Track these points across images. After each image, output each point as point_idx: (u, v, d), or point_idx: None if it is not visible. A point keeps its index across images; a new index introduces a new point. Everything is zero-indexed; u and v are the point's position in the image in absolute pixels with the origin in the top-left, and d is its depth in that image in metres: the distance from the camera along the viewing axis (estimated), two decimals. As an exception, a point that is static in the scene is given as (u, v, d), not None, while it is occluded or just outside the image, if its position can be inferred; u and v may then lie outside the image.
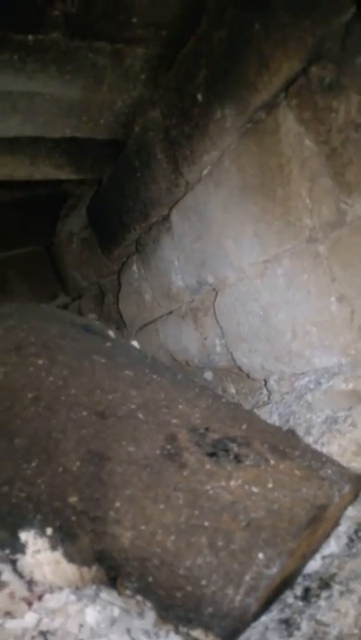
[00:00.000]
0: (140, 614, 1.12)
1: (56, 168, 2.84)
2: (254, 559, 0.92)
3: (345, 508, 1.19)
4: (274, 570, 0.91)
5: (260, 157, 1.77)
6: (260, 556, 0.92)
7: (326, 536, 1.18)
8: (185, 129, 2.13)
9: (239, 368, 2.26)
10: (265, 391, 2.18)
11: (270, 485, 1.04)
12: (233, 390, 2.51)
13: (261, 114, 1.74)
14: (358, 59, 1.32)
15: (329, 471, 1.10)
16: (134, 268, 2.89)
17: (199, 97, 1.99)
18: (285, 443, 1.18)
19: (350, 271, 1.56)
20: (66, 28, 1.91)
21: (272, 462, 1.10)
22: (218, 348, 2.37)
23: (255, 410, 2.09)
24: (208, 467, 1.08)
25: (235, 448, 1.13)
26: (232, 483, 1.04)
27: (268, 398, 2.12)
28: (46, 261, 3.85)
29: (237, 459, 1.10)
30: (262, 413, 2.04)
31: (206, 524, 0.99)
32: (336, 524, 1.24)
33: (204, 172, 2.10)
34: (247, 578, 0.91)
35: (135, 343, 1.66)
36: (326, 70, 1.44)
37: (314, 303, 1.73)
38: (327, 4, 1.39)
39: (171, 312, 2.67)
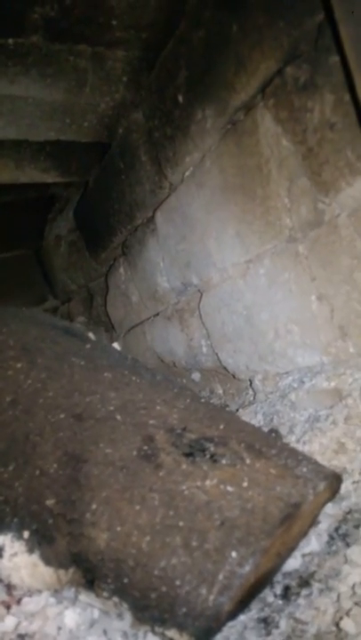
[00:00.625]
0: (120, 615, 1.12)
1: (42, 171, 2.84)
2: (227, 558, 0.92)
3: (323, 505, 1.19)
4: (247, 568, 0.91)
5: (239, 158, 1.78)
6: (234, 554, 0.93)
7: (304, 534, 1.18)
8: (167, 130, 2.13)
9: (225, 368, 2.26)
10: (251, 391, 2.18)
11: (245, 484, 1.04)
12: (220, 391, 2.52)
13: (240, 114, 1.75)
14: (331, 58, 1.32)
15: (305, 469, 1.11)
16: (121, 270, 2.90)
17: (180, 98, 2.00)
18: (262, 442, 1.18)
19: (329, 270, 1.57)
20: (46, 32, 1.92)
21: (248, 461, 1.10)
22: (204, 349, 2.37)
23: (241, 410, 2.10)
24: (184, 467, 1.08)
25: (211, 448, 1.13)
26: (207, 482, 1.05)
27: (254, 398, 2.13)
28: (35, 265, 3.85)
29: (213, 458, 1.11)
30: (247, 413, 2.04)
31: (181, 524, 0.99)
32: (315, 521, 1.25)
33: (187, 173, 2.11)
34: (220, 577, 0.91)
35: (116, 345, 1.66)
36: (301, 70, 1.45)
37: (295, 302, 1.74)
38: (301, 6, 1.40)
39: (157, 314, 2.67)
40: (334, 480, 1.15)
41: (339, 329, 1.61)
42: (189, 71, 1.90)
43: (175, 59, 1.95)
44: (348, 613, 1.06)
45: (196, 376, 2.67)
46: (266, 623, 1.16)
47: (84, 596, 1.15)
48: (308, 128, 1.47)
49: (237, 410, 2.10)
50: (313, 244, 1.61)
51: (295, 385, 1.88)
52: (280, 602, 1.24)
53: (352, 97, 1.16)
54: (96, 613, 1.20)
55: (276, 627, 1.14)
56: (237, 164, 1.80)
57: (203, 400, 1.38)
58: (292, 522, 1.02)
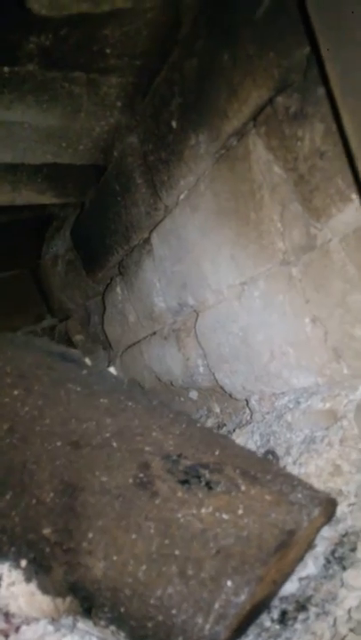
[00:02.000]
0: (118, 644, 1.12)
1: (38, 193, 2.88)
2: (223, 587, 0.93)
3: (318, 530, 1.20)
4: (242, 597, 0.92)
5: (233, 183, 1.81)
6: (229, 583, 0.94)
7: (300, 558, 1.19)
8: (162, 155, 2.17)
9: (222, 388, 2.28)
10: (248, 410, 2.19)
11: (240, 512, 1.06)
12: (218, 410, 2.53)
13: (233, 141, 1.78)
14: (320, 89, 1.35)
15: (299, 495, 1.12)
16: (118, 289, 2.92)
17: (174, 124, 2.03)
18: (258, 467, 1.20)
19: (322, 293, 1.59)
20: (41, 60, 1.96)
21: (243, 488, 1.11)
22: (201, 369, 2.39)
23: (238, 429, 2.11)
24: (180, 494, 1.10)
25: (207, 474, 1.15)
26: (203, 510, 1.06)
27: (251, 418, 2.14)
28: (32, 284, 3.87)
29: (209, 485, 1.12)
30: (244, 433, 2.05)
31: (177, 552, 1.00)
32: (310, 545, 1.26)
33: (182, 196, 2.14)
34: (216, 606, 0.92)
35: (112, 369, 1.68)
36: (291, 100, 1.48)
37: (289, 324, 1.76)
38: (290, 37, 1.44)
39: (154, 333, 2.69)
40: (329, 505, 1.16)
41: (333, 351, 1.63)
42: (183, 98, 1.94)
43: (169, 85, 1.99)
44: (343, 639, 1.06)
45: (193, 394, 2.68)
46: (263, 649, 1.17)
47: (82, 624, 1.16)
48: (298, 156, 1.50)
49: (234, 429, 2.11)
50: (306, 268, 1.63)
51: (291, 405, 1.89)
52: (277, 627, 1.24)
53: (338, 127, 1.19)
54: (94, 641, 1.20)
55: (273, 653, 1.14)
56: (231, 188, 1.83)
57: (198, 425, 1.39)
58: (288, 549, 1.03)
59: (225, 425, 2.38)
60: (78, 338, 3.64)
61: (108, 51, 1.96)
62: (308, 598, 1.27)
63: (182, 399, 2.77)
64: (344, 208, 1.42)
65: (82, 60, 2.01)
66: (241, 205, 1.80)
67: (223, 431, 2.30)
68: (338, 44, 1.02)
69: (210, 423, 2.50)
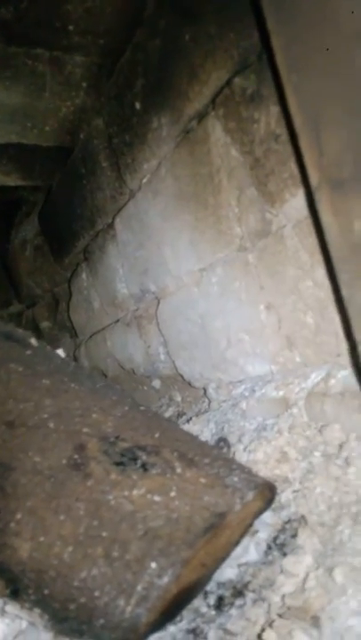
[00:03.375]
0: (46, 627, 1.10)
1: (4, 174, 2.81)
2: (147, 569, 0.91)
3: (255, 514, 1.19)
4: (165, 579, 0.90)
5: (192, 166, 1.79)
6: (153, 565, 0.92)
7: (236, 543, 1.18)
8: (126, 137, 2.13)
9: (181, 376, 2.26)
10: (206, 399, 2.18)
11: (173, 494, 1.04)
12: (179, 398, 2.51)
13: (194, 123, 1.75)
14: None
15: (236, 479, 1.10)
16: (83, 275, 2.88)
17: (138, 106, 2.00)
18: (196, 451, 1.18)
19: (277, 279, 1.58)
20: (1, 34, 1.91)
21: (178, 470, 1.09)
22: (162, 357, 2.37)
23: (194, 417, 2.09)
24: (113, 476, 1.07)
25: (143, 457, 1.12)
26: (135, 492, 1.04)
27: (208, 406, 2.13)
28: (0, 269, 3.81)
29: (144, 467, 1.10)
30: (201, 421, 2.04)
31: (104, 534, 0.98)
32: (248, 530, 1.24)
33: (144, 180, 2.11)
34: (139, 588, 0.90)
35: (60, 351, 1.64)
36: (248, 81, 1.46)
37: (245, 311, 1.74)
38: (248, 18, 1.41)
39: (117, 320, 2.66)
40: (266, 489, 1.15)
41: (286, 338, 1.62)
42: (146, 79, 1.91)
43: (133, 66, 1.96)
44: (271, 625, 1.05)
45: (156, 383, 2.66)
46: (195, 634, 1.15)
47: (11, 608, 1.13)
48: (255, 139, 1.48)
49: (191, 418, 2.09)
50: (261, 254, 1.61)
51: (247, 394, 1.88)
52: (213, 612, 1.23)
53: (282, 106, 1.17)
54: (24, 624, 1.18)
55: (205, 638, 1.13)
56: (191, 172, 1.80)
57: (142, 408, 1.37)
58: (218, 532, 1.02)
59: (185, 414, 2.36)
60: (45, 325, 3.59)
61: (70, 27, 1.92)
62: (246, 584, 1.26)
63: (145, 388, 2.74)
64: (297, 193, 1.40)
65: (44, 37, 1.96)
66: (200, 190, 1.78)
67: (182, 420, 2.28)
68: (282, 17, 1.00)
69: (170, 412, 2.48)
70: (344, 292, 1.05)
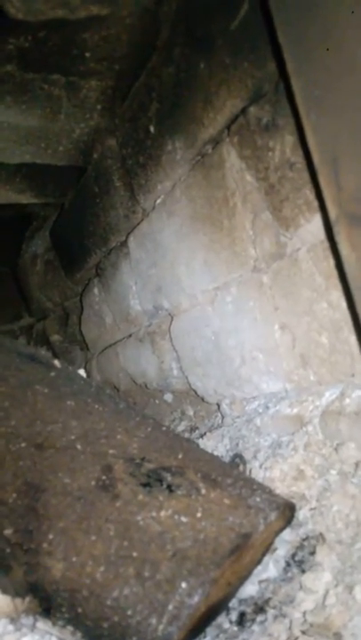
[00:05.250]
0: (76, 644, 1.14)
1: (17, 192, 2.87)
2: (178, 589, 0.95)
3: (276, 533, 1.23)
4: (196, 599, 0.94)
5: (207, 189, 1.84)
6: (184, 585, 0.96)
7: (258, 562, 1.22)
8: (140, 159, 2.19)
9: (194, 392, 2.30)
10: (219, 414, 2.22)
11: (199, 515, 1.08)
12: (191, 412, 2.55)
13: (208, 148, 1.81)
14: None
15: (258, 499, 1.14)
16: (95, 291, 2.93)
17: (152, 129, 2.05)
18: (219, 471, 1.22)
19: (291, 301, 1.62)
20: (20, 61, 1.96)
21: (203, 491, 1.14)
22: (175, 372, 2.41)
23: (208, 433, 2.13)
24: (140, 497, 1.11)
25: (168, 478, 1.17)
26: (162, 513, 1.08)
27: (222, 421, 2.17)
28: (11, 282, 3.86)
29: (170, 488, 1.14)
30: (215, 437, 2.08)
31: (135, 554, 1.02)
32: (269, 548, 1.28)
33: (158, 200, 2.16)
34: (170, 607, 0.94)
35: (82, 371, 1.69)
36: (263, 111, 1.51)
37: (260, 330, 1.79)
38: (263, 48, 1.46)
39: (130, 335, 2.71)
40: (287, 509, 1.19)
41: (300, 357, 1.66)
42: (160, 103, 1.96)
43: (147, 91, 2.01)
44: (295, 641, 1.09)
45: (168, 397, 2.70)
46: (219, 650, 1.19)
47: (42, 624, 1.17)
48: (269, 166, 1.53)
49: (205, 433, 2.13)
50: (276, 276, 1.66)
51: (260, 410, 1.92)
52: (235, 628, 1.27)
53: (301, 141, 1.22)
54: (53, 641, 1.22)
55: (229, 654, 1.17)
56: (205, 195, 1.85)
57: (164, 428, 1.41)
58: (243, 552, 1.06)
59: (197, 428, 2.40)
60: (56, 338, 3.64)
61: (87, 54, 1.98)
62: (267, 601, 1.30)
63: (157, 402, 2.78)
64: (312, 219, 1.45)
65: (61, 63, 2.01)
66: (215, 212, 1.83)
67: (195, 434, 2.32)
68: (301, 60, 1.05)
69: (183, 426, 2.52)
70: (362, 319, 1.09)
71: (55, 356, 3.54)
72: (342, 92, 0.95)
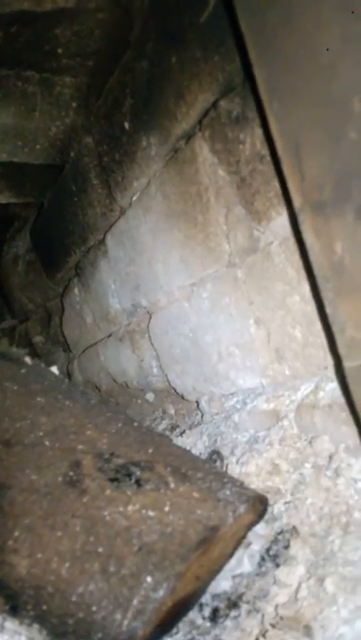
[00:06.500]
0: (45, 643, 1.12)
1: (-5, 192, 2.85)
2: (142, 583, 0.94)
3: (248, 527, 1.22)
4: (161, 593, 0.93)
5: (181, 185, 1.83)
6: (149, 579, 0.94)
7: (229, 555, 1.21)
8: (116, 156, 2.17)
9: (174, 389, 2.29)
10: (199, 412, 2.21)
11: (167, 509, 1.06)
12: (172, 411, 2.53)
13: (182, 143, 1.80)
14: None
15: (228, 492, 1.13)
16: (75, 290, 2.91)
17: (127, 125, 2.04)
18: (189, 465, 1.21)
19: (265, 295, 1.62)
20: (-8, 58, 1.95)
21: (172, 485, 1.12)
22: (154, 370, 2.40)
23: (188, 430, 2.12)
24: (108, 492, 1.10)
25: (137, 472, 1.15)
26: (130, 507, 1.06)
27: (201, 419, 2.15)
28: (-8, 284, 3.83)
29: (138, 483, 1.13)
30: (194, 434, 2.07)
31: (100, 549, 1.00)
32: (241, 542, 1.27)
33: (134, 197, 2.15)
34: (135, 602, 0.93)
35: (54, 368, 1.67)
36: (234, 104, 1.51)
37: (235, 326, 1.78)
38: (232, 42, 1.46)
39: (110, 335, 2.69)
40: (257, 502, 1.18)
41: (275, 352, 1.65)
42: (135, 99, 1.95)
43: (121, 87, 2.00)
44: (265, 635, 1.08)
45: (150, 396, 2.69)
46: (191, 646, 1.18)
47: (10, 624, 1.15)
48: (241, 159, 1.52)
49: (185, 431, 2.12)
50: (250, 270, 1.65)
51: (238, 406, 1.91)
52: (208, 624, 1.25)
53: (265, 132, 1.22)
54: (23, 640, 1.20)
55: (200, 650, 1.15)
56: (180, 190, 1.84)
57: (135, 424, 1.40)
58: (211, 545, 1.05)
59: (178, 426, 2.39)
60: (38, 339, 3.61)
61: (60, 50, 1.97)
62: (241, 596, 1.29)
63: (139, 401, 2.77)
64: (283, 211, 1.44)
65: (34, 59, 2.00)
66: (189, 207, 1.82)
67: (176, 432, 2.31)
68: (263, 48, 1.05)
69: (164, 424, 2.51)
70: (328, 309, 1.09)
71: (38, 357, 3.52)
72: (302, 79, 0.94)
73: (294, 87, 0.97)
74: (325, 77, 0.89)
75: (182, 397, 2.28)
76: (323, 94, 0.91)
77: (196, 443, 2.00)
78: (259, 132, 1.43)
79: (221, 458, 1.78)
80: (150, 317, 2.29)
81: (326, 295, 1.08)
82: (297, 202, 1.06)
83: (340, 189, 0.97)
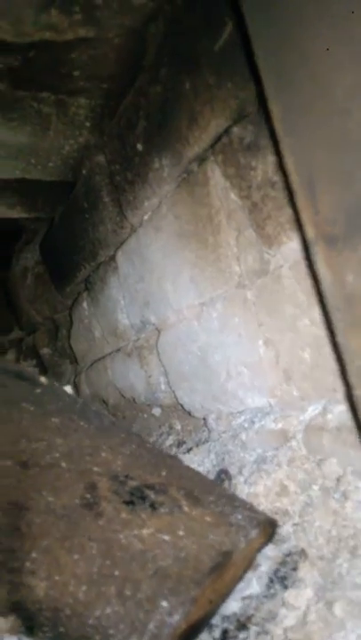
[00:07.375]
0: (59, 663, 1.14)
1: (7, 207, 2.90)
2: (158, 607, 0.96)
3: (258, 550, 1.24)
4: (177, 618, 0.95)
5: (193, 206, 1.86)
6: (165, 604, 0.97)
7: (239, 578, 1.23)
8: (128, 175, 2.21)
9: (182, 406, 2.31)
10: (206, 429, 2.23)
11: (181, 533, 1.09)
12: (179, 427, 2.56)
13: (194, 166, 1.83)
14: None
15: (239, 516, 1.16)
16: (84, 305, 2.94)
17: (139, 146, 2.08)
18: (202, 488, 1.23)
19: (274, 317, 1.65)
20: (10, 80, 1.99)
21: (185, 509, 1.15)
22: (162, 386, 2.42)
23: (195, 448, 2.14)
24: (124, 515, 1.12)
25: (151, 495, 1.18)
26: (145, 531, 1.09)
27: (208, 436, 2.18)
28: (1, 295, 3.87)
29: (153, 506, 1.15)
30: (201, 451, 2.09)
31: (117, 573, 1.03)
32: (250, 564, 1.29)
33: (145, 216, 2.19)
34: (151, 626, 0.95)
35: (68, 388, 1.70)
36: (246, 131, 1.54)
37: (244, 345, 1.81)
38: (246, 70, 1.50)
39: (118, 349, 2.72)
40: (268, 526, 1.20)
41: (283, 373, 1.68)
42: (148, 122, 1.99)
43: (135, 109, 2.04)
44: (276, 658, 1.10)
45: (157, 411, 2.71)
46: (202, 668, 1.20)
47: (25, 644, 1.17)
48: (252, 185, 1.55)
49: (191, 448, 2.14)
50: (260, 292, 1.68)
51: (246, 425, 1.94)
52: (218, 645, 1.27)
53: (280, 163, 1.25)
54: (36, 660, 1.22)
55: (211, 671, 1.17)
56: (191, 211, 1.88)
57: (149, 445, 1.42)
58: (224, 570, 1.07)
59: (185, 442, 2.41)
60: (45, 351, 3.64)
61: (75, 73, 2.01)
62: (250, 617, 1.31)
63: (145, 416, 2.79)
64: (293, 237, 1.47)
65: (50, 81, 2.05)
66: (200, 229, 1.85)
67: (182, 449, 2.33)
68: (279, 85, 1.08)
69: (171, 440, 2.53)
70: (339, 338, 1.12)
71: (45, 369, 3.56)
72: (317, 119, 0.98)
73: (309, 125, 1.01)
74: (340, 120, 0.92)
75: (190, 414, 2.31)
76: (337, 136, 0.94)
77: (203, 460, 2.02)
78: (271, 159, 1.46)
79: (229, 477, 1.80)
80: (159, 334, 2.32)
81: (338, 325, 1.11)
82: (310, 233, 1.09)
83: (352, 225, 1.00)
